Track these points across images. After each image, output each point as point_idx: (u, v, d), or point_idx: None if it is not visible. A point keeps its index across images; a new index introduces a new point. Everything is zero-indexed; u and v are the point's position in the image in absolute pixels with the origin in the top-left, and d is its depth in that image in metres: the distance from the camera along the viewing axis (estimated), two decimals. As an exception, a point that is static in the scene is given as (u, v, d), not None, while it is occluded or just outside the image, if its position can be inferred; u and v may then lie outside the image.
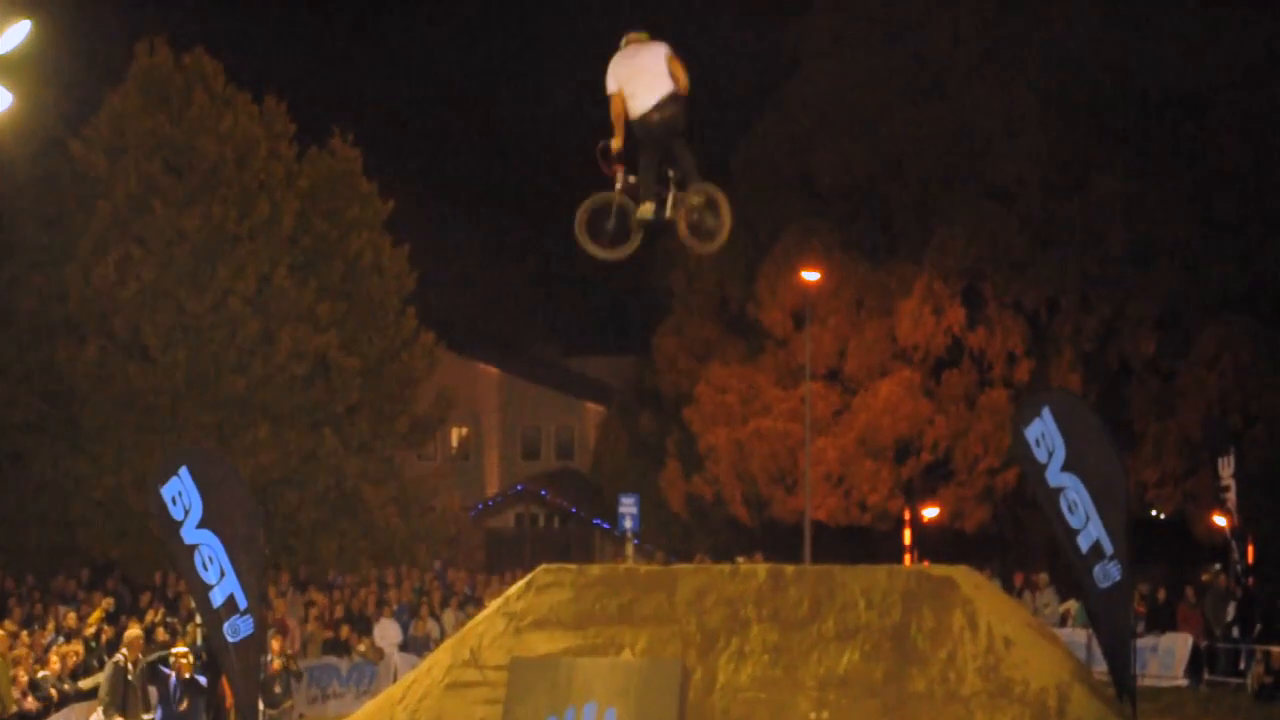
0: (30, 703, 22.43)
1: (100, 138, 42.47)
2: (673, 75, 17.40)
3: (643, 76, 17.30)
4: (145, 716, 23.46)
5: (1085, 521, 18.61)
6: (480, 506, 61.90)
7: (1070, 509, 18.67)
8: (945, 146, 51.45)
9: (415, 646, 32.10)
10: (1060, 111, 50.87)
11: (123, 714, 22.85)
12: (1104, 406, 42.22)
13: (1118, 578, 18.66)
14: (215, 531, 18.79)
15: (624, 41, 17.71)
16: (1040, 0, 51.42)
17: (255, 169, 43.01)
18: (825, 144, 53.01)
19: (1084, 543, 18.67)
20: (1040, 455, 18.89)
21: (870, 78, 52.88)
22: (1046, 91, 51.10)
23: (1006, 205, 50.72)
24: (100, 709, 22.42)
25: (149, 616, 28.42)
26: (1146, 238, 49.70)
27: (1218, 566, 38.19)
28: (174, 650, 23.11)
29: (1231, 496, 37.59)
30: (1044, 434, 18.89)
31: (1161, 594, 36.56)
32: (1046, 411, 19.00)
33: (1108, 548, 18.56)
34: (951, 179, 51.63)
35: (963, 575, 19.61)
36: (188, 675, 22.22)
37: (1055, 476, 18.80)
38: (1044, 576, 38.95)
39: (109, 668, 22.90)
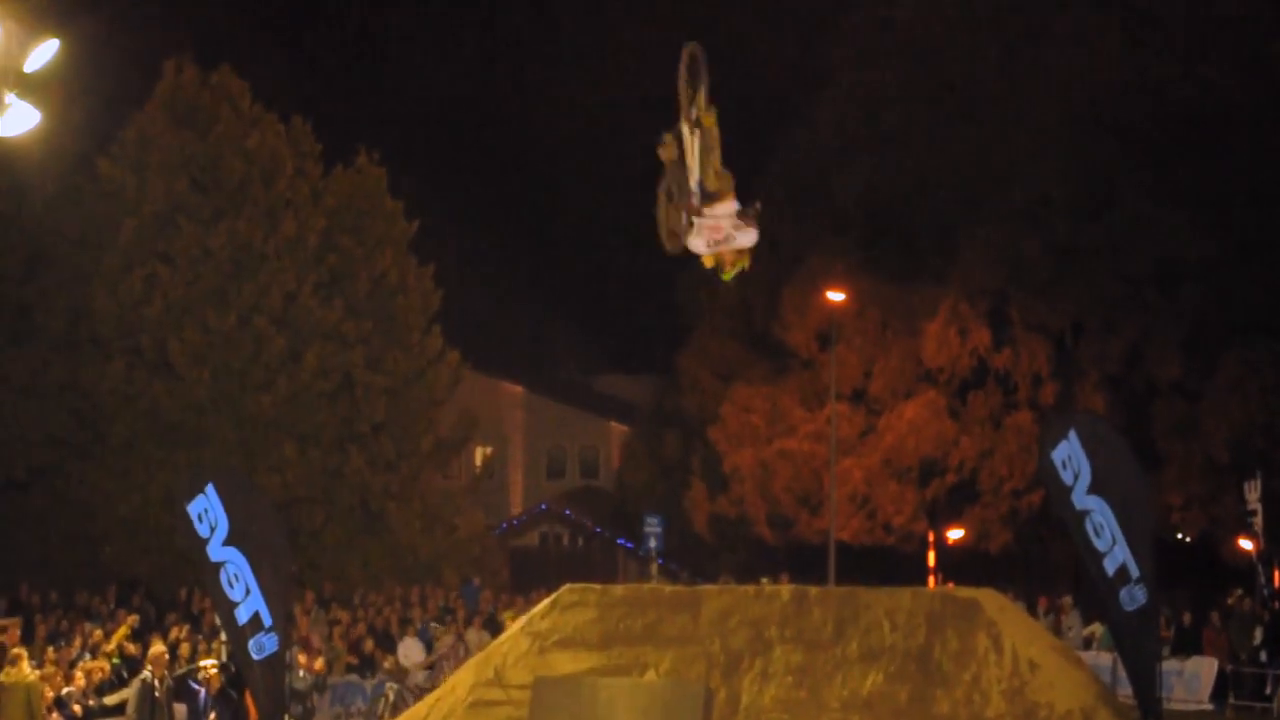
0: (56, 718, 22.46)
1: (127, 156, 42.63)
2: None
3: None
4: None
5: (1111, 544, 18.56)
6: (504, 526, 61.86)
7: (1096, 532, 18.61)
8: (971, 167, 51.35)
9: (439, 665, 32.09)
10: (1086, 133, 50.74)
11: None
12: (1129, 429, 42.00)
13: (1144, 601, 18.60)
14: (241, 549, 18.81)
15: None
16: (1066, 21, 51.35)
17: (281, 187, 43.15)
18: (851, 164, 52.98)
19: (1110, 565, 18.61)
20: (1067, 477, 18.83)
21: (896, 98, 52.85)
22: (1072, 113, 50.97)
23: (1032, 226, 50.58)
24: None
25: (173, 633, 28.44)
26: (1172, 260, 49.51)
27: (1240, 592, 38.03)
28: (204, 664, 23.16)
29: (1258, 520, 37.44)
30: (1070, 456, 18.84)
31: (1187, 618, 36.40)
32: (1073, 434, 18.94)
33: (1134, 570, 18.50)
34: (977, 200, 51.49)
35: (987, 597, 19.56)
36: (217, 688, 22.28)
37: (1081, 499, 18.74)
38: (1069, 599, 38.80)
39: (136, 684, 22.92)
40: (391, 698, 29.39)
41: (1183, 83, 49.66)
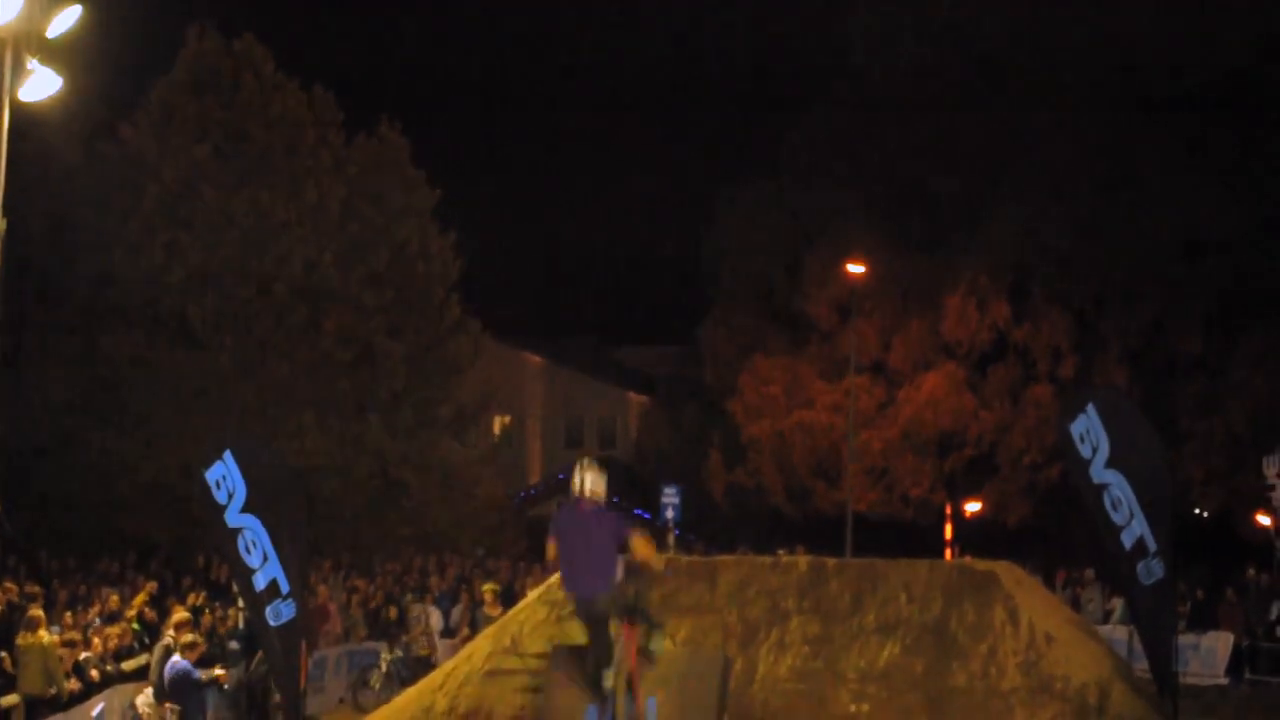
0: (74, 684, 22.53)
1: (150, 122, 42.68)
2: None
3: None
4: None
5: (1129, 518, 18.49)
6: (522, 495, 61.94)
7: (1114, 506, 18.54)
8: (993, 140, 51.24)
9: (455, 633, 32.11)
10: (1110, 105, 50.60)
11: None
12: (1149, 403, 41.98)
13: (1161, 575, 18.54)
14: (259, 516, 18.79)
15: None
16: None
17: (303, 155, 43.18)
18: (873, 136, 52.89)
19: (1127, 539, 18.55)
20: (1085, 451, 18.76)
21: (920, 70, 52.72)
22: (1097, 86, 50.83)
23: (1054, 199, 50.49)
24: (150, 689, 22.50)
25: (190, 599, 28.53)
26: (1195, 234, 49.40)
27: (1252, 571, 38.00)
28: (217, 673, 23.24)
29: (1276, 495, 37.37)
30: (1088, 430, 18.76)
31: (1201, 593, 36.38)
32: (1091, 408, 18.87)
33: (1151, 544, 18.43)
34: (999, 173, 51.42)
35: (1004, 570, 19.57)
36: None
37: (1099, 473, 18.67)
38: (1090, 572, 38.76)
39: (157, 651, 22.98)
40: (385, 668, 29.36)
41: (1209, 55, 49.44)
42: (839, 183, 53.52)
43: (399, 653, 29.97)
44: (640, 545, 15.70)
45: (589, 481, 15.57)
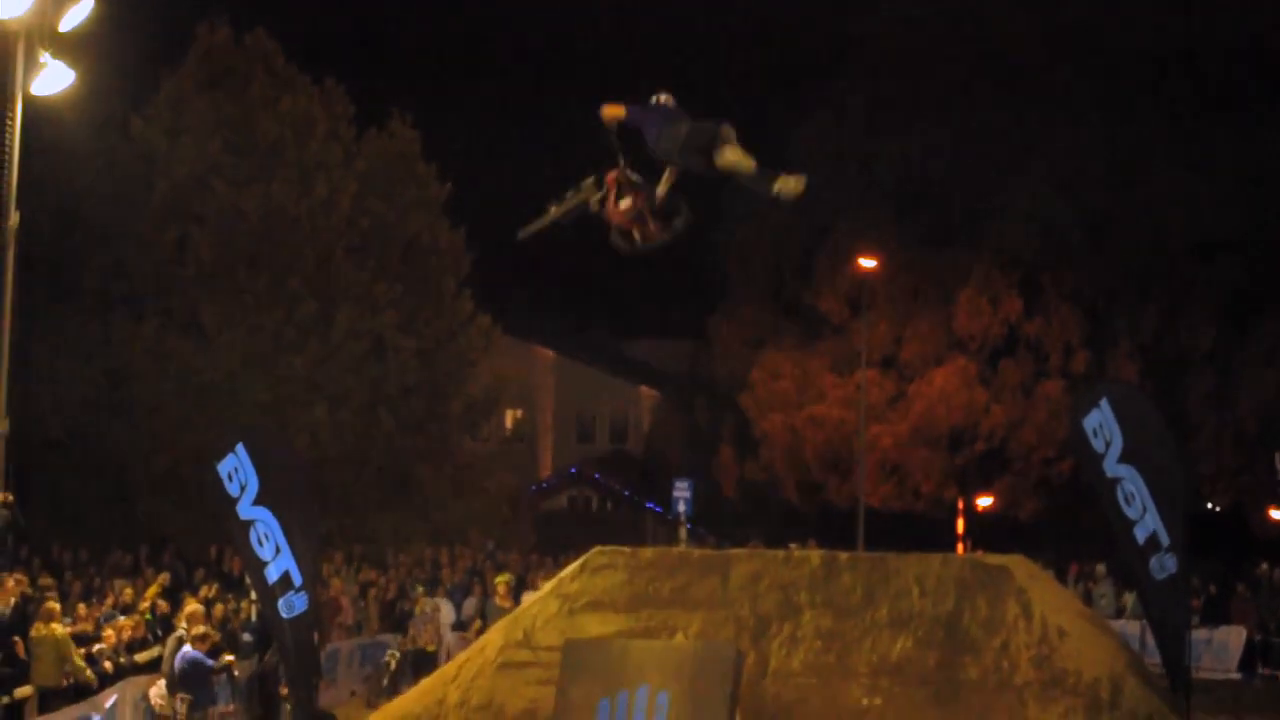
0: (87, 675, 22.57)
1: (161, 117, 42.68)
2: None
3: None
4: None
5: (1142, 513, 18.49)
6: (534, 488, 61.97)
7: (1127, 500, 18.55)
8: (1006, 135, 51.21)
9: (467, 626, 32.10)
10: (1122, 102, 50.58)
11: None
12: (1160, 398, 41.89)
13: (1174, 569, 18.55)
14: (271, 508, 18.83)
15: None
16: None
17: (314, 150, 43.17)
18: (885, 130, 52.88)
19: (1140, 534, 18.56)
20: (1098, 445, 18.77)
21: (931, 65, 52.69)
22: (1110, 81, 50.80)
23: (1066, 195, 50.48)
24: (162, 681, 22.53)
25: (203, 592, 28.56)
26: (1207, 230, 49.38)
27: (1264, 566, 37.99)
28: (227, 659, 23.28)
29: (1288, 490, 37.36)
30: (1102, 424, 18.77)
31: (1213, 588, 36.38)
32: (1105, 402, 18.87)
33: (1164, 539, 18.44)
34: (1011, 168, 51.40)
35: (1017, 564, 19.53)
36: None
37: (1113, 467, 18.68)
38: (1102, 567, 38.77)
39: (170, 643, 23.02)
40: (394, 666, 29.34)
41: (1223, 52, 49.43)
42: (851, 176, 53.51)
43: (406, 645, 29.94)
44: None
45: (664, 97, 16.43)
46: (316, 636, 20.64)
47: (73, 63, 28.20)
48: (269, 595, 18.96)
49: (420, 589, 32.30)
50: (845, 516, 50.08)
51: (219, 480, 18.92)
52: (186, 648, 22.27)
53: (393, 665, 29.26)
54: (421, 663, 28.88)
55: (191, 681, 22.10)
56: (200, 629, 22.64)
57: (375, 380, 43.21)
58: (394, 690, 27.36)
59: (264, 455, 19.06)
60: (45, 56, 27.68)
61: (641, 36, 74.58)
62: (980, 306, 50.81)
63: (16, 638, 22.32)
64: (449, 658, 26.38)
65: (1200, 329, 50.14)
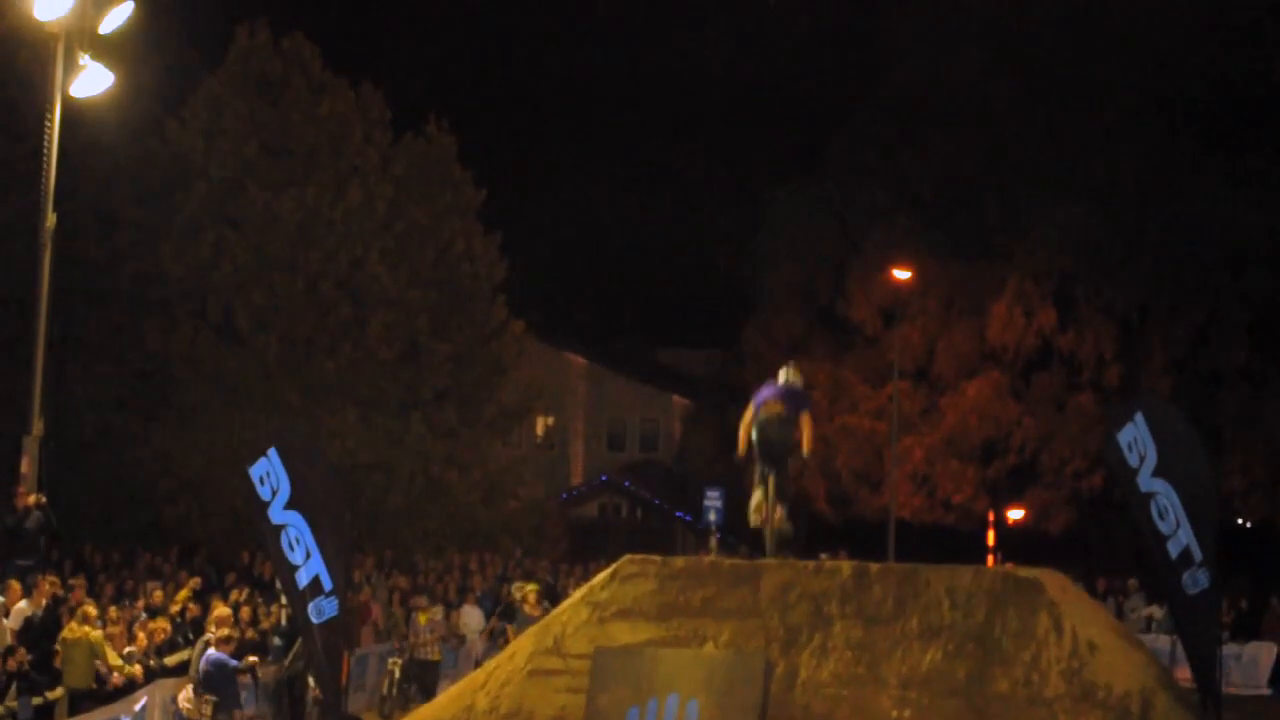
0: (117, 678, 22.64)
1: (198, 119, 42.78)
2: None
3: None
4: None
5: (1175, 528, 18.46)
6: (564, 496, 62.01)
7: (1161, 515, 18.52)
8: (1041, 147, 51.13)
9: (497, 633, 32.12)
10: (1158, 115, 50.46)
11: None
12: (1193, 413, 41.76)
13: (1206, 585, 18.50)
14: (302, 513, 18.86)
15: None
16: (1140, 1, 51.00)
17: (350, 154, 43.26)
18: (919, 141, 52.84)
19: (1174, 549, 18.52)
20: (1132, 460, 18.73)
21: (966, 75, 52.63)
22: (1144, 94, 50.69)
23: (1101, 208, 50.38)
24: (192, 685, 22.60)
25: (233, 596, 28.63)
26: (1240, 246, 49.24)
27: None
28: (251, 659, 23.36)
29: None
30: (1136, 439, 18.74)
31: (1244, 603, 36.26)
32: (1139, 416, 18.84)
33: (1197, 554, 18.40)
34: (1046, 180, 51.31)
35: (1048, 577, 19.49)
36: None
37: (1146, 482, 18.64)
38: (1134, 581, 38.68)
39: (199, 646, 23.11)
40: (397, 674, 29.28)
41: (1255, 66, 49.28)
42: (885, 188, 53.48)
43: (408, 655, 29.81)
44: (806, 422, 20.30)
45: (789, 374, 20.87)
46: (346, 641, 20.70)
47: (112, 65, 28.34)
48: (299, 600, 18.99)
49: (423, 598, 32.32)
50: (876, 528, 50.03)
51: (251, 484, 18.97)
52: (211, 650, 22.35)
53: (396, 674, 29.27)
54: (426, 674, 28.99)
55: (216, 682, 22.16)
56: (224, 631, 22.72)
57: (407, 385, 43.27)
58: (405, 701, 27.52)
59: (296, 459, 19.09)
60: (85, 59, 27.83)
61: (675, 47, 74.61)
62: (1014, 318, 50.74)
63: (55, 646, 22.45)
64: (477, 665, 26.43)
65: (1233, 344, 49.99)
